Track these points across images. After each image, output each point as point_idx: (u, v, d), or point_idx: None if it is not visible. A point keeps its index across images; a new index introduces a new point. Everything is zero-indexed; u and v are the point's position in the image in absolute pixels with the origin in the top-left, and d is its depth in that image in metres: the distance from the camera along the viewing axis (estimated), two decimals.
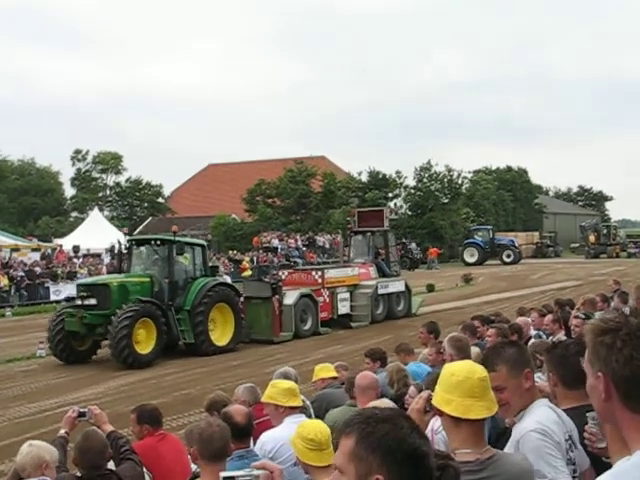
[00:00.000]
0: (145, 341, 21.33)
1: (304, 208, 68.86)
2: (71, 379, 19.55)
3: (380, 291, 29.35)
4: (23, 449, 5.29)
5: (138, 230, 75.00)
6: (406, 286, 30.85)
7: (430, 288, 41.48)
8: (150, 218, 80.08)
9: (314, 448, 4.99)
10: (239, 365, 21.14)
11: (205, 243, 25.55)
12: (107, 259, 47.85)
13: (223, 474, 3.13)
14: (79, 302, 21.91)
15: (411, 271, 57.84)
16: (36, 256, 46.80)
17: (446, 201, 76.18)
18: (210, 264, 26.15)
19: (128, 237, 25.65)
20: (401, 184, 76.51)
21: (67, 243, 52.64)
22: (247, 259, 53.11)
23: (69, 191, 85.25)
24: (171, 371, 20.62)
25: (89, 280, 27.09)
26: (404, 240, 68.59)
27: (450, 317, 26.40)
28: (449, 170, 76.18)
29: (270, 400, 6.45)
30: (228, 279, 29.01)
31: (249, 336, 24.69)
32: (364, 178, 75.00)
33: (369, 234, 31.51)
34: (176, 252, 22.82)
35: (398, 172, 76.03)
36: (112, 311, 21.06)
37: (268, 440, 6.44)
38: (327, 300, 27.57)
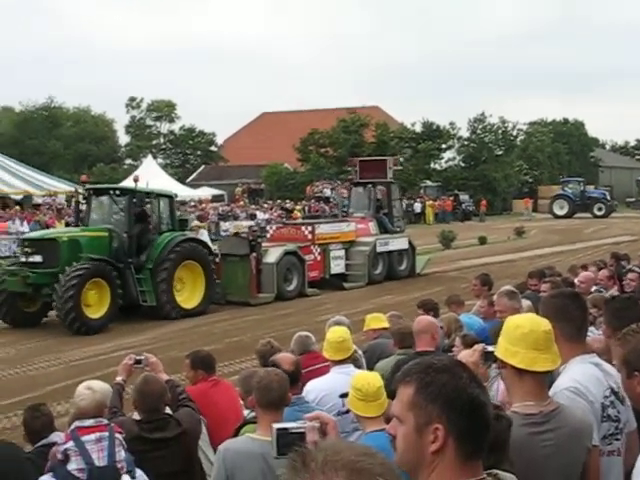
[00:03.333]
0: (97, 304, 19.02)
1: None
2: (124, 324, 19.63)
3: (379, 249, 26.76)
4: (83, 392, 5.34)
5: (191, 178, 75.42)
6: (410, 243, 28.27)
7: (482, 240, 41.26)
8: (203, 166, 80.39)
9: (361, 398, 5.06)
10: (289, 314, 21.22)
11: (173, 194, 22.82)
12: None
13: (276, 425, 3.13)
14: (23, 259, 19.72)
15: (462, 223, 57.57)
16: None
17: (500, 153, 75.49)
18: (180, 217, 23.55)
19: (87, 186, 22.92)
20: (454, 135, 75.86)
21: None
22: (299, 208, 53.11)
23: (123, 138, 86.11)
24: (222, 318, 20.80)
25: (35, 234, 23.37)
26: (456, 192, 68.23)
27: (502, 270, 26.25)
28: (503, 122, 75.52)
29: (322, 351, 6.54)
30: (205, 234, 25.78)
31: (225, 297, 22.63)
32: (417, 129, 74.46)
33: (370, 186, 28.88)
34: (137, 204, 20.60)
35: (452, 123, 75.37)
36: (61, 269, 18.73)
37: (312, 389, 6.50)
38: (318, 258, 25.12)
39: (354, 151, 61.74)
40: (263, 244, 24.02)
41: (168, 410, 6.13)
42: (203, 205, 54.52)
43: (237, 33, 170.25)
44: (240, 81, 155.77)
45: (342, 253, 26.10)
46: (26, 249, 19.77)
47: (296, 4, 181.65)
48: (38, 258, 19.29)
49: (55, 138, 77.43)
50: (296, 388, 5.89)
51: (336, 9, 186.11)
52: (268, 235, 25.99)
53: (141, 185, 20.89)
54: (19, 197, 47.87)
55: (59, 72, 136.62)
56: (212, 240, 26.01)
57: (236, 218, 48.77)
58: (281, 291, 23.34)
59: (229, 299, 22.62)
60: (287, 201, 56.94)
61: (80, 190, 23.08)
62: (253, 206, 56.50)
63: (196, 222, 28.13)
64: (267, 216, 48.70)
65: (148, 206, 21.18)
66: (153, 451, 5.64)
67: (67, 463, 4.85)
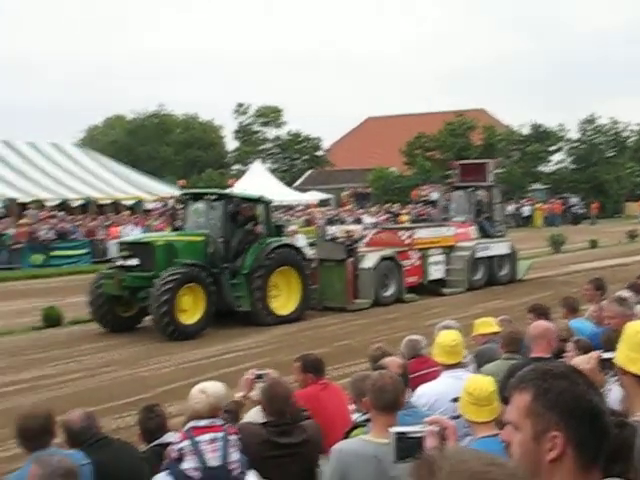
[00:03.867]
0: (191, 309, 19.02)
1: None
2: (234, 327, 19.87)
3: (479, 254, 26.14)
4: (197, 396, 5.41)
5: (298, 182, 75.99)
6: (511, 248, 27.55)
7: (593, 244, 40.39)
8: (310, 171, 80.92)
9: (473, 402, 5.02)
10: (397, 317, 21.15)
11: (269, 199, 22.30)
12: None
13: (394, 429, 3.13)
14: (120, 262, 19.85)
15: (575, 226, 56.48)
16: None
17: (611, 155, 73.84)
18: (276, 222, 23.16)
19: (183, 190, 22.94)
20: (563, 137, 74.53)
21: None
22: (405, 212, 52.94)
23: (231, 144, 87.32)
24: (330, 322, 20.84)
25: (132, 238, 23.53)
26: (565, 195, 66.98)
27: (614, 274, 25.60)
28: (615, 122, 73.88)
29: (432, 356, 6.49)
30: (302, 240, 25.15)
31: (322, 303, 22.39)
32: (525, 131, 73.43)
33: (471, 189, 28.28)
34: (232, 209, 20.44)
35: (561, 125, 74.11)
36: (156, 273, 18.79)
37: (423, 394, 6.48)
38: (416, 263, 24.62)
39: (461, 154, 61.26)
40: (360, 249, 23.89)
41: None
42: (310, 209, 54.85)
43: (341, 39, 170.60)
44: (345, 86, 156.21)
45: (441, 258, 25.59)
46: (123, 252, 19.90)
47: (401, 8, 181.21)
48: (134, 261, 19.39)
49: (165, 144, 79.16)
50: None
51: (440, 10, 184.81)
52: (366, 240, 25.81)
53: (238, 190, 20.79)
54: (131, 202, 49.11)
55: (169, 80, 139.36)
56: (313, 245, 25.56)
57: (343, 222, 48.88)
58: (378, 297, 22.98)
59: (326, 305, 22.40)
60: (394, 205, 56.77)
61: (177, 195, 22.73)
62: (360, 210, 56.55)
63: (292, 227, 27.92)
64: (374, 220, 48.67)
65: (250, 212, 20.96)
66: (281, 457, 5.64)
67: (181, 462, 4.95)
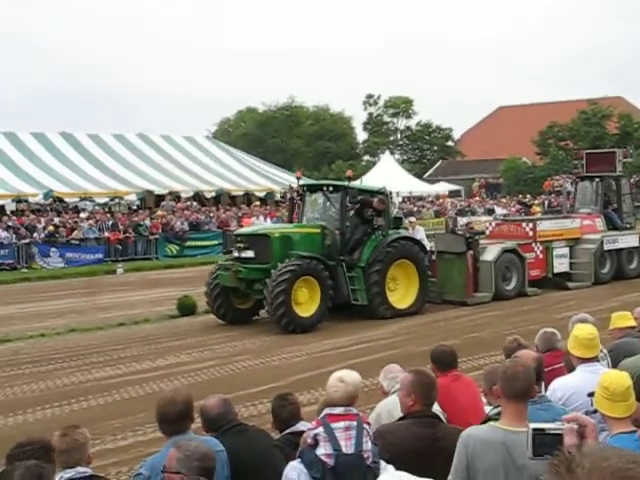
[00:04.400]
0: (307, 302, 18.79)
1: None
2: (363, 319, 19.83)
3: (607, 247, 25.21)
4: (335, 384, 5.45)
5: (428, 173, 75.69)
6: None
7: None
8: (440, 161, 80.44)
9: (608, 397, 4.93)
10: (530, 310, 20.84)
11: (387, 191, 21.79)
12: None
13: (532, 425, 3.09)
14: (236, 254, 19.80)
15: None
16: None
17: None
18: (394, 214, 22.16)
19: (300, 182, 22.48)
20: None
21: None
22: (537, 203, 52.07)
23: (361, 135, 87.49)
24: (461, 314, 20.69)
25: (248, 230, 23.21)
26: None
27: None
28: None
29: (567, 349, 6.38)
30: (421, 232, 24.10)
31: (441, 296, 22.05)
32: None
33: (597, 180, 27.54)
34: (349, 200, 20.11)
35: None
36: (273, 265, 18.62)
37: (559, 387, 6.37)
38: (540, 256, 24.03)
39: (596, 144, 59.71)
40: (481, 241, 23.47)
41: None
42: (440, 200, 54.60)
43: (470, 30, 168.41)
44: (476, 76, 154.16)
45: (566, 251, 24.88)
46: (239, 244, 19.77)
47: (533, 3, 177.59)
48: (250, 253, 19.30)
49: (296, 136, 79.94)
50: (538, 386, 5.80)
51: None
52: (487, 232, 25.47)
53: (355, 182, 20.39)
54: (262, 194, 49.90)
55: (299, 72, 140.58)
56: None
57: (474, 213, 48.53)
58: (499, 290, 22.53)
59: (445, 298, 22.05)
60: (526, 196, 55.91)
61: (294, 186, 22.74)
62: (491, 201, 55.96)
63: (411, 218, 27.29)
64: (505, 211, 48.10)
65: (375, 203, 20.18)
66: (428, 449, 5.48)
67: (316, 448, 5.02)
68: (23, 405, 12.74)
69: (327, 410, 5.21)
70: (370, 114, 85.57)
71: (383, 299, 19.92)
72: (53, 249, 33.91)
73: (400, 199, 55.45)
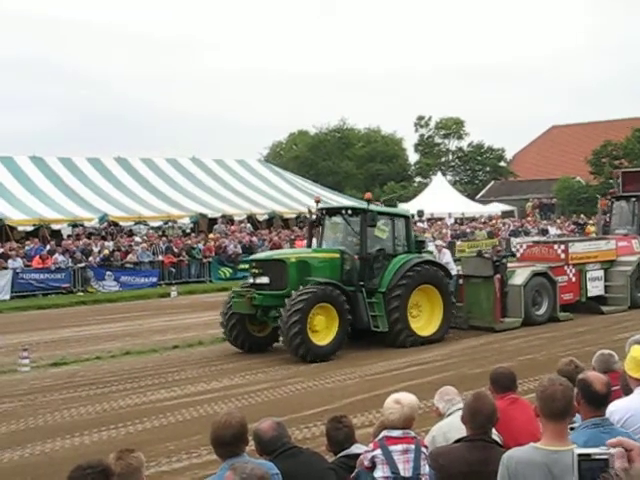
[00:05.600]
0: (324, 330, 18.12)
1: None
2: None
3: None
4: (392, 406, 5.45)
5: (481, 194, 75.28)
6: None
7: None
8: (492, 182, 79.98)
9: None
10: (586, 331, 20.61)
11: (409, 214, 21.33)
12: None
13: (578, 451, 3.05)
14: (251, 280, 19.23)
15: None
16: None
17: None
18: (417, 238, 21.34)
19: (319, 205, 21.87)
20: None
21: (412, 207, 53.97)
22: (592, 223, 51.49)
23: (412, 157, 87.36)
24: (515, 335, 20.50)
25: (263, 255, 22.60)
26: None
27: None
28: None
29: (624, 369, 6.28)
30: (447, 255, 23.25)
31: (468, 322, 21.43)
32: None
33: (634, 200, 26.90)
34: (368, 223, 19.35)
35: None
36: (289, 292, 18.01)
37: (616, 410, 6.24)
38: (573, 279, 23.18)
39: None
40: (510, 265, 22.89)
41: None
42: (493, 221, 54.28)
43: (521, 50, 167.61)
44: (528, 95, 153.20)
45: (601, 274, 24.02)
46: (254, 270, 19.21)
47: (583, 19, 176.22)
48: (265, 279, 18.71)
49: (347, 158, 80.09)
50: (603, 410, 5.70)
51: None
52: (518, 255, 24.95)
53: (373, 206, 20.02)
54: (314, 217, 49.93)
55: (350, 95, 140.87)
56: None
57: (527, 234, 48.15)
58: (529, 315, 21.81)
59: (472, 324, 21.48)
60: (580, 216, 55.35)
61: (313, 210, 22.13)
62: (544, 221, 55.51)
63: (438, 242, 26.49)
64: (559, 231, 47.68)
65: (383, 227, 19.89)
66: (473, 472, 5.42)
67: (373, 470, 5.00)
68: (79, 427, 12.86)
69: (385, 432, 5.20)
70: (421, 135, 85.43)
71: (404, 325, 19.19)
72: (108, 273, 34.39)
73: (452, 220, 55.33)
